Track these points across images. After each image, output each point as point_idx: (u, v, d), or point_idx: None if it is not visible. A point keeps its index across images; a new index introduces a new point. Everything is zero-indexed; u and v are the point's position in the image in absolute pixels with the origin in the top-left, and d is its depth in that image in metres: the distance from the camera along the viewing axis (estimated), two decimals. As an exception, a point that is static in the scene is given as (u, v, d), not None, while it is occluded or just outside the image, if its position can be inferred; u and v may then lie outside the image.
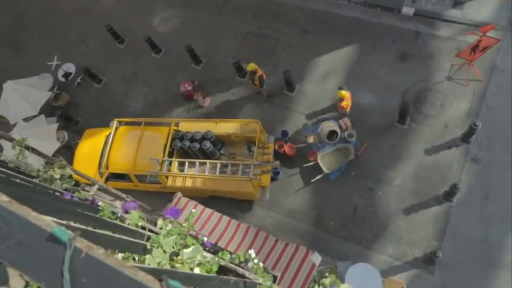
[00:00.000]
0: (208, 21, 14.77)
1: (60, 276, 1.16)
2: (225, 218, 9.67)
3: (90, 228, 1.83)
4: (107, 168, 11.69)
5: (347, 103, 11.37)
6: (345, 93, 11.20)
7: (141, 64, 14.66)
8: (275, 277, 7.40)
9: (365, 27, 13.24)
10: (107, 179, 11.82)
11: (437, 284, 9.98)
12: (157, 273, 1.22)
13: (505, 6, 12.29)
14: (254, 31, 14.12)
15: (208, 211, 9.80)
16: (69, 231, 1.25)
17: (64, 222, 1.65)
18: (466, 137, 10.97)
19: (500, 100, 11.34)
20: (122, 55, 15.04)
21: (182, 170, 11.03)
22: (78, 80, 14.70)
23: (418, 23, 12.83)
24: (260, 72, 11.85)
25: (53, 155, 12.60)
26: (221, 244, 8.87)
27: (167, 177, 11.25)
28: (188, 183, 11.17)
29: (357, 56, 12.95)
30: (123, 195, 7.75)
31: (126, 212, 2.71)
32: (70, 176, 3.91)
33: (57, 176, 3.71)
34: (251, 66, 11.70)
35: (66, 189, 3.75)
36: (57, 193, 3.39)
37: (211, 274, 2.31)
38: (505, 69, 11.63)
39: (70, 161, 12.56)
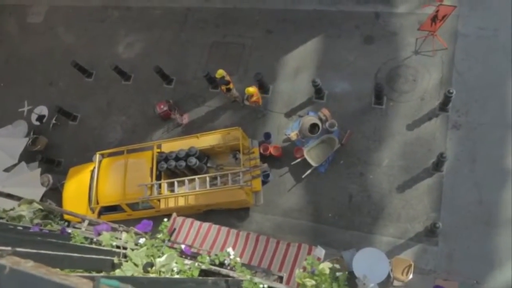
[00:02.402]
0: (171, 39, 14.75)
1: (-14, 298, 1.12)
2: (224, 229, 9.62)
3: (43, 251, 1.79)
4: (97, 202, 11.55)
5: (258, 97, 11.65)
6: (252, 89, 11.44)
7: (113, 94, 14.57)
8: (281, 278, 7.36)
9: (325, 17, 13.34)
10: (100, 214, 11.68)
11: (443, 254, 10.01)
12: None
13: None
14: (219, 41, 14.15)
15: (205, 225, 9.74)
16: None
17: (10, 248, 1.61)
18: (443, 106, 11.09)
19: (468, 64, 11.48)
20: (92, 88, 14.93)
21: (172, 191, 10.93)
22: (53, 121, 14.53)
23: (376, 4, 12.95)
24: (227, 77, 11.86)
25: (41, 199, 12.43)
26: (224, 255, 8.80)
27: (159, 200, 11.15)
28: (181, 202, 11.09)
29: (324, 47, 13.04)
30: (116, 225, 7.63)
31: (99, 234, 2.69)
32: (41, 210, 3.84)
33: (25, 213, 3.64)
34: (219, 73, 11.72)
35: (37, 224, 3.69)
36: (19, 228, 3.32)
37: (185, 277, 2.27)
38: (468, 33, 11.80)
39: (60, 203, 12.40)
